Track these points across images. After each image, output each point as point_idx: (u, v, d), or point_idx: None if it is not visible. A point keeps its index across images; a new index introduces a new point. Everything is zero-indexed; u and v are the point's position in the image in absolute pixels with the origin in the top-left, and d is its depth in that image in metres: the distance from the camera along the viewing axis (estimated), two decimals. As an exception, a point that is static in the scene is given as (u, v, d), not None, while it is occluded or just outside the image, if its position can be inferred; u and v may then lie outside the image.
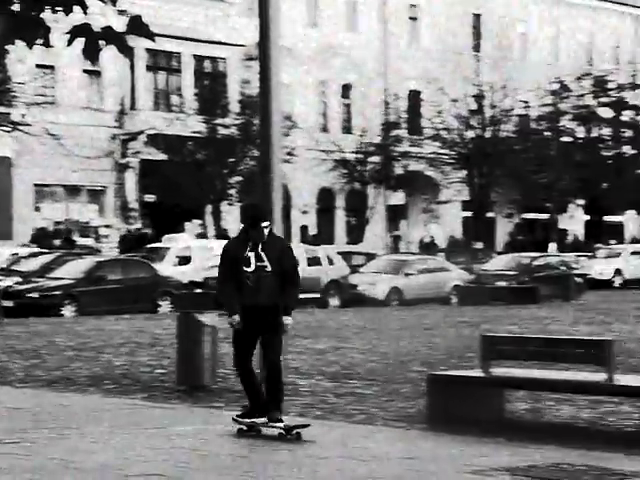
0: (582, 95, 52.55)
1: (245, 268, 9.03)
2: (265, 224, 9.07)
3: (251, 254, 9.05)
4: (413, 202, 53.42)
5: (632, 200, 53.03)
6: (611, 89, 53.31)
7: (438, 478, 7.55)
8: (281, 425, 9.13)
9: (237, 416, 9.48)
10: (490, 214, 52.22)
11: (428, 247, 46.81)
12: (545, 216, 54.56)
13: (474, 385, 10.28)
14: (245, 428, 9.37)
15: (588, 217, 55.96)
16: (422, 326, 22.62)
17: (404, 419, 10.39)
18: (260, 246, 9.05)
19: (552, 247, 49.45)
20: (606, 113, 53.26)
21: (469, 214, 51.58)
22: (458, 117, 48.81)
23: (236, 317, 9.14)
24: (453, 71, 48.83)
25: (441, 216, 53.99)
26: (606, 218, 55.31)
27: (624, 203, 53.81)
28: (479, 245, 47.82)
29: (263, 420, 9.27)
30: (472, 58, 51.52)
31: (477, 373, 10.37)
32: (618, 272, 44.10)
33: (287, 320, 9.11)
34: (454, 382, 10.33)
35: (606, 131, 53.78)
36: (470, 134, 49.12)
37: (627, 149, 54.10)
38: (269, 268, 9.03)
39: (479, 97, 49.22)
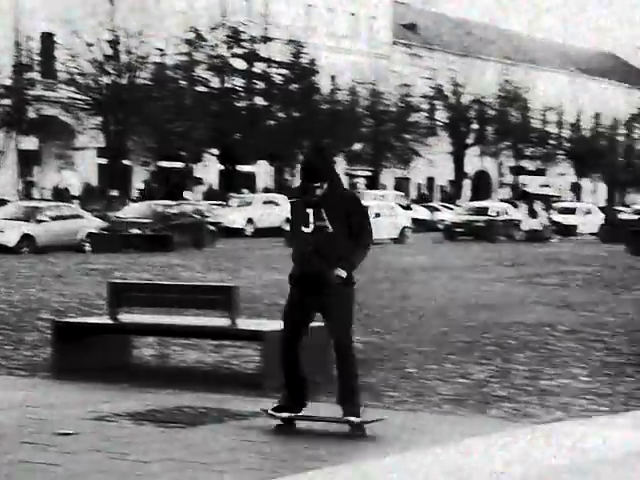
0: (216, 45, 53.27)
1: (303, 228, 7.57)
2: (318, 184, 7.44)
3: (309, 211, 7.55)
4: (47, 148, 52.22)
5: (264, 150, 54.57)
6: (244, 40, 54.39)
7: (60, 425, 7.51)
8: (351, 419, 7.46)
9: (272, 410, 7.76)
10: (126, 162, 51.99)
11: (62, 194, 46.05)
12: (180, 165, 55.07)
13: (101, 332, 10.27)
14: (281, 423, 7.74)
15: (222, 167, 57.06)
16: (53, 274, 22.28)
17: (29, 368, 10.23)
18: (321, 202, 7.49)
19: (187, 195, 50.07)
20: (239, 64, 54.33)
21: (104, 161, 51.11)
22: (93, 62, 48.11)
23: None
24: (88, 15, 48.00)
25: (76, 163, 53.18)
26: (239, 168, 56.60)
27: (256, 153, 55.28)
28: (114, 193, 47.55)
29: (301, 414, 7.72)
30: (107, 3, 50.82)
31: (104, 320, 10.36)
32: (250, 221, 45.36)
33: (339, 271, 7.47)
34: (80, 329, 10.27)
35: (239, 82, 54.90)
36: (106, 80, 48.58)
37: (259, 101, 55.53)
38: (330, 229, 7.52)
39: (114, 42, 48.72)
